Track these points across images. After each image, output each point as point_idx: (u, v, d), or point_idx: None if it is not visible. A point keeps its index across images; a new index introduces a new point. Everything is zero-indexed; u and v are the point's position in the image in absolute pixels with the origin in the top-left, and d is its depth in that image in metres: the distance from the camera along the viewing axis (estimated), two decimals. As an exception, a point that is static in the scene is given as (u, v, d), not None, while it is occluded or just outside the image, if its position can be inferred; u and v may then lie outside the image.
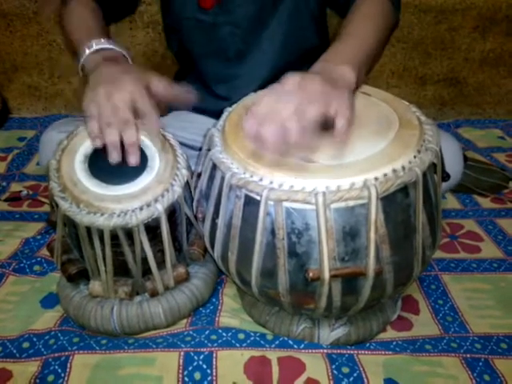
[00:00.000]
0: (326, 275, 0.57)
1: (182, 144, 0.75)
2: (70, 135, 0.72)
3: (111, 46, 0.74)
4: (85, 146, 0.69)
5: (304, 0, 0.90)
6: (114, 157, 0.65)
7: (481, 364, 0.70)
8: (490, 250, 0.95)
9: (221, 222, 0.64)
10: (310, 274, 0.57)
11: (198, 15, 0.89)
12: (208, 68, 0.96)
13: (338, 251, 0.57)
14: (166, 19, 0.98)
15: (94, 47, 0.73)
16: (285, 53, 0.91)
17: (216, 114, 0.74)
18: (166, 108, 1.02)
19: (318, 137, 0.57)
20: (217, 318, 0.78)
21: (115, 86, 0.65)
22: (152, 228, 0.67)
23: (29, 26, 1.48)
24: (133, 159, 0.66)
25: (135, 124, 0.65)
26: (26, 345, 0.73)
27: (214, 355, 0.70)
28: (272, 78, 0.90)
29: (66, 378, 0.67)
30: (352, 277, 0.59)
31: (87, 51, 0.73)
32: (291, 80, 0.57)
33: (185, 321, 0.78)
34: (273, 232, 0.58)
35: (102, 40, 0.74)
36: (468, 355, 0.71)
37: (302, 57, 0.92)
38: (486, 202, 1.11)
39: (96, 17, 0.82)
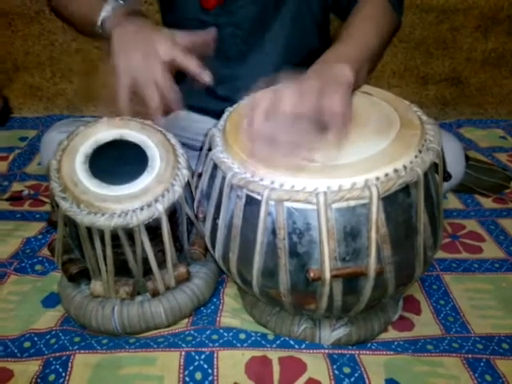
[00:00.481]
0: (327, 275, 0.57)
1: (182, 144, 0.75)
2: (70, 135, 0.71)
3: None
4: (85, 146, 0.69)
5: (307, 4, 0.90)
6: (159, 120, 0.69)
7: (482, 364, 0.70)
8: (491, 250, 0.95)
9: (222, 222, 0.63)
10: (311, 274, 0.57)
11: (200, 16, 0.88)
12: (209, 69, 0.95)
13: (339, 251, 0.57)
14: (167, 18, 0.98)
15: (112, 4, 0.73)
16: (287, 55, 0.91)
17: (217, 115, 0.74)
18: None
19: (317, 137, 0.58)
20: (218, 318, 0.78)
21: (148, 46, 0.67)
22: (153, 228, 0.67)
23: (30, 26, 1.48)
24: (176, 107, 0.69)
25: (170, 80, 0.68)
26: (27, 344, 0.73)
27: (215, 355, 0.70)
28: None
29: (67, 378, 0.67)
30: (353, 277, 0.59)
31: (108, 8, 0.73)
32: (288, 89, 0.58)
33: (186, 320, 0.78)
34: (274, 232, 0.58)
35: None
36: (469, 355, 0.71)
37: (304, 60, 0.91)
38: (487, 202, 1.11)
39: None
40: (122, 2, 0.74)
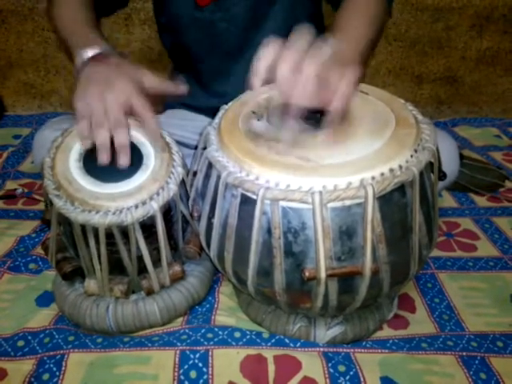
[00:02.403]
0: (323, 275, 0.57)
1: (177, 142, 0.75)
2: (64, 133, 0.71)
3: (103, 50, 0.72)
4: (79, 144, 0.69)
5: None
6: (103, 158, 0.65)
7: (477, 362, 0.70)
8: (486, 248, 0.96)
9: (217, 221, 0.63)
10: (307, 274, 0.57)
11: (194, 13, 0.88)
12: (205, 66, 0.95)
13: (335, 250, 0.57)
14: (160, 18, 0.98)
15: (88, 55, 0.71)
16: None
17: (212, 112, 0.73)
18: (161, 105, 1.02)
19: (312, 135, 0.57)
20: (213, 317, 0.78)
21: (107, 85, 0.64)
22: (147, 226, 0.66)
23: (24, 23, 1.47)
24: (123, 160, 0.65)
25: (127, 125, 0.65)
26: (20, 343, 0.73)
27: (210, 353, 0.70)
28: None
29: (61, 377, 0.67)
30: (348, 276, 0.59)
31: (80, 60, 0.71)
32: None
33: (181, 319, 0.78)
34: (269, 231, 0.58)
35: (95, 47, 0.72)
36: (464, 353, 0.71)
37: None
38: (482, 201, 1.11)
39: (87, 12, 0.80)
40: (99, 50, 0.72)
